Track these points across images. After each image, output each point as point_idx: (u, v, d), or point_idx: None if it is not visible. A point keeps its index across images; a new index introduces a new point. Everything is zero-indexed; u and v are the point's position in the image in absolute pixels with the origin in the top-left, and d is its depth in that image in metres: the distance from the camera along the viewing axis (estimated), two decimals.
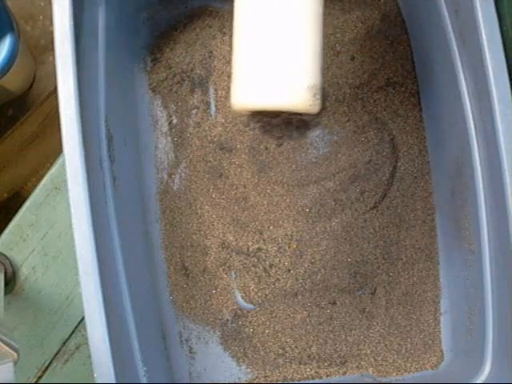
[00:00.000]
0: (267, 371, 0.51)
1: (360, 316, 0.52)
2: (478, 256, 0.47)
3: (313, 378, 0.51)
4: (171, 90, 0.53)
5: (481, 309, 0.47)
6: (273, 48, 0.31)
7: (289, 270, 0.52)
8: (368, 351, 0.51)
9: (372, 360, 0.51)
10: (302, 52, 0.31)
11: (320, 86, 0.32)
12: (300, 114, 0.32)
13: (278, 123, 0.32)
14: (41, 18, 0.65)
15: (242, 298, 0.52)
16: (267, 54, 0.31)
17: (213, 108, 0.53)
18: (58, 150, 0.43)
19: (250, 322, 0.52)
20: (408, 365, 0.51)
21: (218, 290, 0.52)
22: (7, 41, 0.56)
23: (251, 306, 0.52)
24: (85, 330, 0.39)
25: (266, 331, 0.52)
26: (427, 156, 0.53)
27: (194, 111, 0.53)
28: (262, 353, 0.52)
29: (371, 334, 0.52)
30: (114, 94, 0.47)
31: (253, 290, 0.52)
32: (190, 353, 0.52)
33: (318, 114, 0.33)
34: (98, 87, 0.46)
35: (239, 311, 0.52)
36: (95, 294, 0.39)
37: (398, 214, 0.52)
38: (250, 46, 0.31)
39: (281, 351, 0.51)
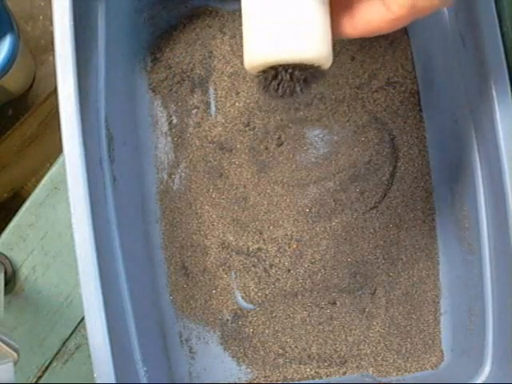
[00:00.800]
0: (267, 371, 0.51)
1: (360, 316, 0.52)
2: (478, 256, 0.47)
3: (313, 378, 0.51)
4: (171, 89, 0.53)
5: (481, 309, 0.47)
6: (284, 4, 0.31)
7: (289, 270, 0.52)
8: (368, 351, 0.51)
9: (372, 360, 0.51)
10: (314, 8, 0.31)
11: (331, 39, 0.32)
12: (311, 68, 0.33)
13: (284, 81, 0.33)
14: (41, 17, 0.65)
15: (242, 298, 0.52)
16: (279, 9, 0.31)
17: (213, 108, 0.53)
18: (58, 149, 0.43)
19: (250, 322, 0.52)
20: (408, 365, 0.51)
21: (218, 289, 0.52)
22: (7, 41, 0.56)
23: (251, 306, 0.52)
24: (85, 330, 0.39)
25: (266, 331, 0.52)
26: (427, 156, 0.53)
27: (194, 111, 0.53)
28: (262, 353, 0.52)
29: (371, 334, 0.52)
30: (114, 94, 0.47)
31: (253, 290, 0.52)
32: (190, 353, 0.52)
33: (328, 69, 0.34)
34: (98, 87, 0.46)
35: (239, 311, 0.52)
36: (95, 294, 0.39)
37: (397, 214, 0.52)
38: (261, 3, 0.32)
39: (281, 351, 0.51)
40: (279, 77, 0.33)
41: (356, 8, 0.32)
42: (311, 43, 0.32)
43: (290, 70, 0.32)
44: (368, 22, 0.32)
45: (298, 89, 0.33)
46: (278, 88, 0.33)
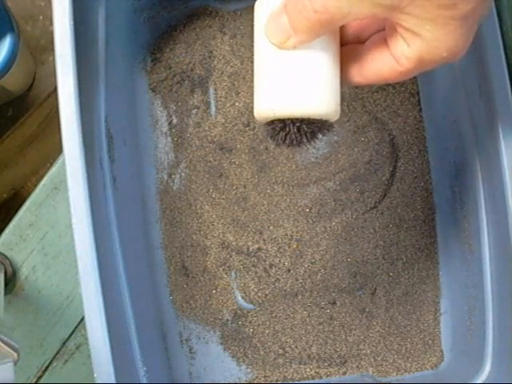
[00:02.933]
0: (267, 371, 0.51)
1: (360, 316, 0.52)
2: (478, 256, 0.47)
3: (313, 378, 0.51)
4: (171, 89, 0.53)
5: (481, 309, 0.47)
6: (295, 58, 0.32)
7: (289, 270, 0.52)
8: (368, 351, 0.51)
9: (372, 360, 0.51)
10: (324, 63, 0.32)
11: (339, 94, 0.33)
12: (319, 122, 0.33)
13: (291, 133, 0.33)
14: (41, 17, 0.65)
15: (242, 298, 0.52)
16: (290, 64, 0.32)
17: (213, 108, 0.53)
18: (58, 150, 0.43)
19: (250, 322, 0.52)
20: (408, 365, 0.51)
21: (218, 290, 0.52)
22: (7, 41, 0.56)
23: (251, 306, 0.52)
24: (85, 330, 0.39)
25: (266, 331, 0.52)
26: (427, 156, 0.53)
27: (194, 111, 0.53)
28: (262, 353, 0.52)
29: (371, 334, 0.52)
30: (114, 94, 0.47)
31: (253, 290, 0.52)
32: (190, 353, 0.52)
33: (335, 123, 0.34)
34: (98, 87, 0.46)
35: (239, 311, 0.52)
36: (95, 294, 0.39)
37: (397, 214, 0.52)
38: (273, 58, 0.32)
39: (281, 351, 0.51)
40: (287, 129, 0.33)
41: (366, 59, 0.32)
42: (320, 99, 0.32)
43: (297, 124, 0.33)
44: (377, 73, 0.32)
45: (304, 140, 0.33)
46: (285, 139, 0.33)
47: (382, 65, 0.32)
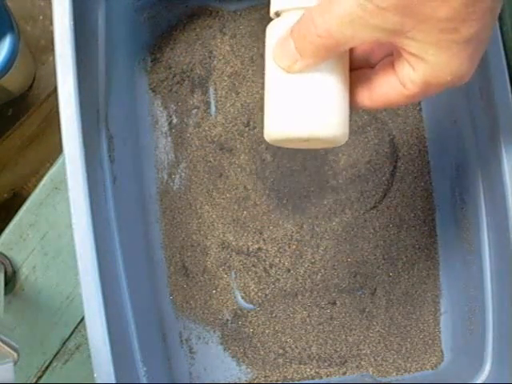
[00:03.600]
0: (267, 371, 0.51)
1: (360, 316, 0.52)
2: (478, 256, 0.47)
3: (313, 378, 0.51)
4: (171, 89, 0.53)
5: (481, 309, 0.47)
6: (305, 81, 0.32)
7: (289, 270, 0.52)
8: (368, 351, 0.51)
9: (372, 360, 0.51)
10: (334, 87, 0.33)
11: (348, 117, 0.34)
12: (326, 144, 0.34)
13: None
14: (41, 17, 0.65)
15: (242, 298, 0.52)
16: (300, 86, 0.33)
17: (213, 108, 0.53)
18: (57, 150, 0.43)
19: (250, 322, 0.52)
20: (408, 365, 0.51)
21: (218, 290, 0.52)
22: (7, 41, 0.56)
23: (251, 306, 0.52)
24: (85, 330, 0.39)
25: (266, 331, 0.52)
26: (427, 156, 0.53)
27: (194, 111, 0.53)
28: (262, 353, 0.52)
29: (371, 334, 0.52)
30: (114, 94, 0.47)
31: (253, 290, 0.52)
32: (190, 353, 0.52)
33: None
34: (98, 87, 0.46)
35: (239, 311, 0.52)
36: (95, 294, 0.39)
37: (398, 214, 0.52)
38: (283, 80, 0.33)
39: (281, 351, 0.51)
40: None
41: (374, 83, 0.33)
42: (329, 122, 0.32)
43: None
44: (385, 97, 0.33)
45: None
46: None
47: (389, 89, 0.32)
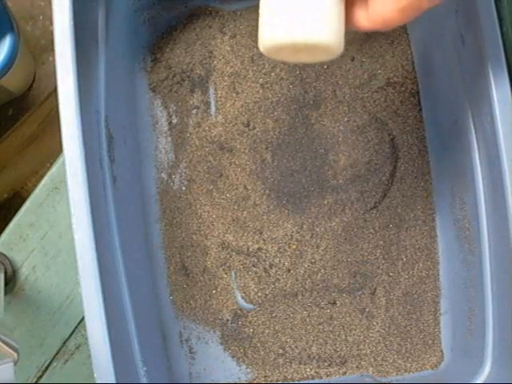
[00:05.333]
0: (267, 371, 0.51)
1: (360, 316, 0.52)
2: (478, 256, 0.47)
3: (313, 378, 0.51)
4: (171, 89, 0.53)
5: (481, 309, 0.47)
6: None
7: (289, 270, 0.52)
8: (368, 351, 0.51)
9: (372, 360, 0.51)
10: (329, 2, 0.33)
11: (343, 29, 0.34)
12: (320, 53, 0.34)
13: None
14: (41, 17, 0.65)
15: (242, 297, 0.52)
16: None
17: (213, 108, 0.53)
18: (57, 150, 0.43)
19: (250, 322, 0.52)
20: (408, 365, 0.51)
21: (218, 289, 0.52)
22: (7, 41, 0.56)
23: (251, 306, 0.52)
24: (85, 330, 0.39)
25: (266, 331, 0.52)
26: (427, 156, 0.53)
27: (194, 111, 0.53)
28: (262, 353, 0.52)
29: (371, 334, 0.52)
30: (114, 94, 0.47)
31: (253, 290, 0.52)
32: (190, 353, 0.52)
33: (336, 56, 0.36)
34: (98, 87, 0.46)
35: (239, 311, 0.52)
36: (95, 294, 0.39)
37: (398, 214, 0.52)
38: None
39: (281, 351, 0.51)
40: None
41: (370, 1, 0.33)
42: (323, 28, 0.33)
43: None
44: (381, 14, 0.33)
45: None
46: None
47: (385, 5, 0.32)
